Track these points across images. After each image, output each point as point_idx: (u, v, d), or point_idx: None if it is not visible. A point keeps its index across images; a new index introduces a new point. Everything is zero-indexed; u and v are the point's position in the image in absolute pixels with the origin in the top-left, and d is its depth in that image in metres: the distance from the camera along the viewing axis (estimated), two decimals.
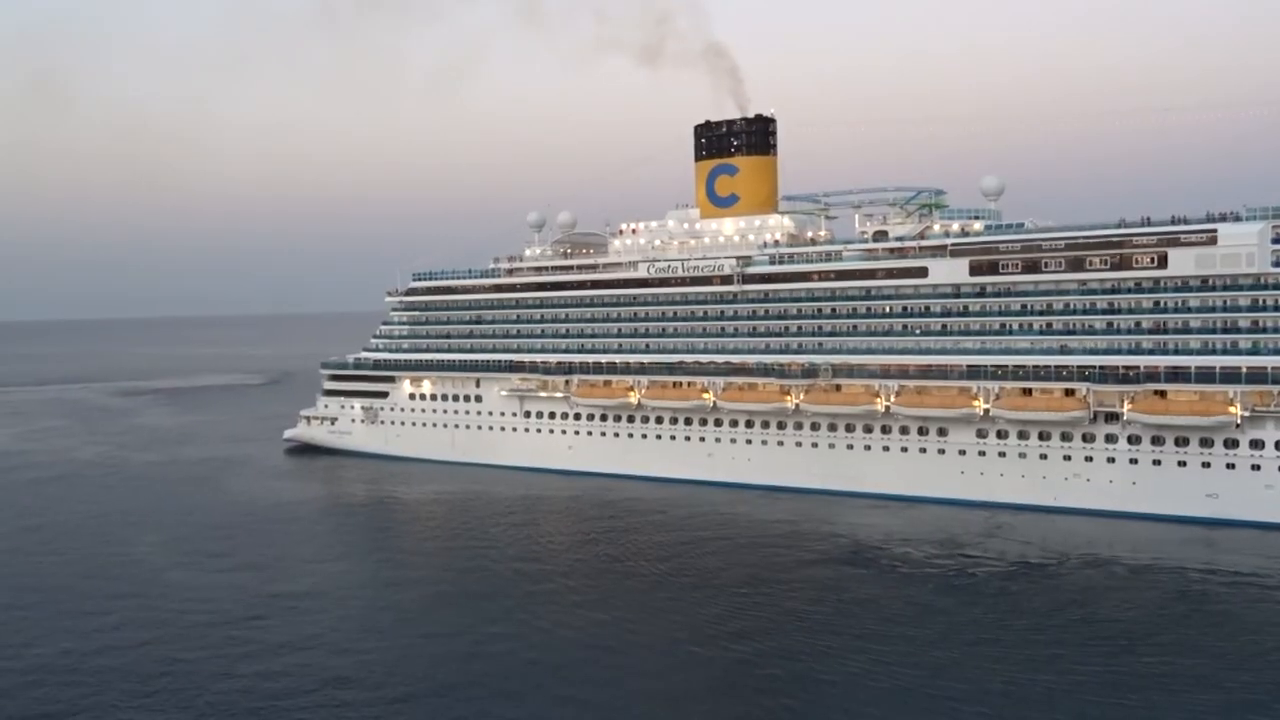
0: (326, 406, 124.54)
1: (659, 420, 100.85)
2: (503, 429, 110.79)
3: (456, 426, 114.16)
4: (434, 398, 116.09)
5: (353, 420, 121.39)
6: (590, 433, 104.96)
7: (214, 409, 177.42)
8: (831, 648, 53.21)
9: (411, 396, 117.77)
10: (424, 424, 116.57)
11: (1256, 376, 74.25)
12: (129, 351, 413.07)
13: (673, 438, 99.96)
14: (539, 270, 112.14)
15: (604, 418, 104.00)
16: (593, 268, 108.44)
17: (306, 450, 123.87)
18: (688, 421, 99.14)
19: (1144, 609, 58.18)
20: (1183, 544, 70.67)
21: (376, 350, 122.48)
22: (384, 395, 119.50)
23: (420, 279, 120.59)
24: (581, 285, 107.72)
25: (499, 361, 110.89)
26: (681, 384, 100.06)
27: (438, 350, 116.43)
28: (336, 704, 47.55)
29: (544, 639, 55.67)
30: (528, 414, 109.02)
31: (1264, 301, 75.15)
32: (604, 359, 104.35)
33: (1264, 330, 75.01)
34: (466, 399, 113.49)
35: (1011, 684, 47.87)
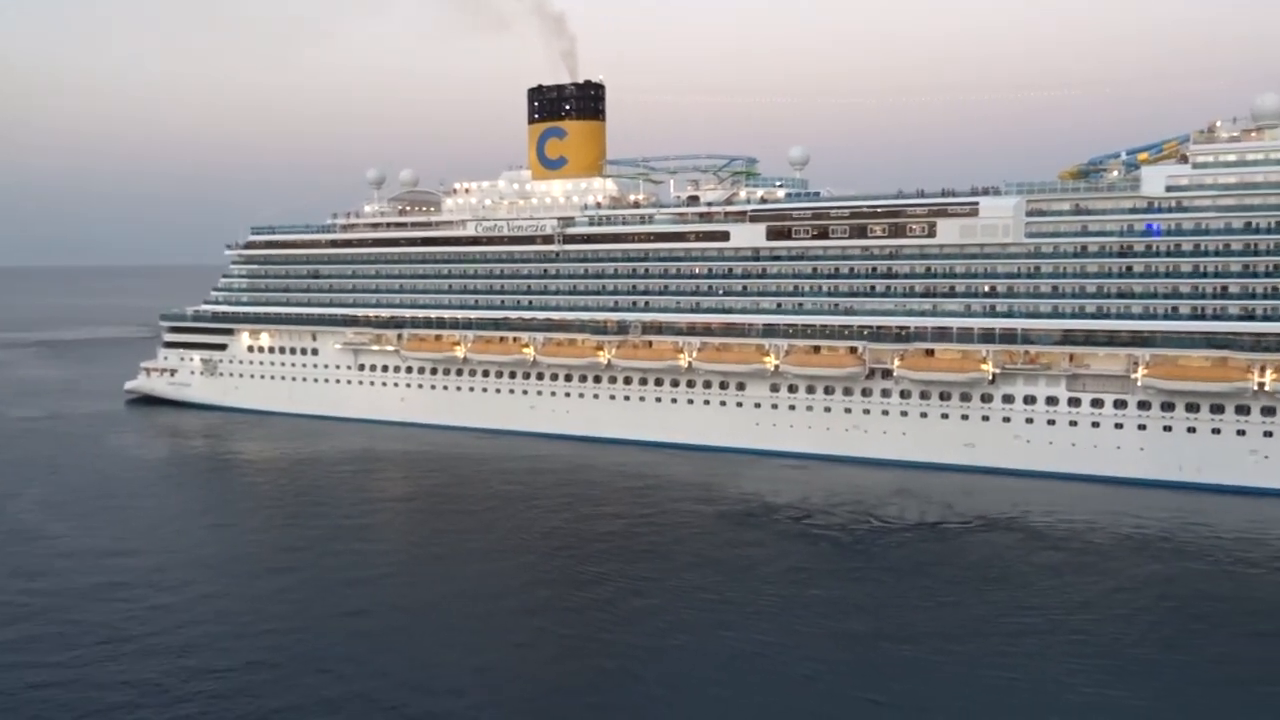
0: (166, 358, 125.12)
1: (485, 374, 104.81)
2: (338, 382, 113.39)
3: (294, 379, 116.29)
4: (272, 350, 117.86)
5: (192, 372, 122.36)
6: (421, 385, 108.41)
7: (91, 362, 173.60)
8: (651, 577, 58.20)
9: (250, 349, 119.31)
10: (262, 376, 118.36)
11: (1008, 337, 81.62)
12: (16, 303, 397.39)
13: (497, 391, 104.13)
14: (375, 227, 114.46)
15: (433, 371, 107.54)
16: (426, 225, 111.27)
17: (147, 402, 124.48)
18: (511, 375, 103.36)
19: (903, 549, 64.80)
20: (945, 489, 76.28)
21: (216, 303, 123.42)
22: (223, 348, 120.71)
23: (259, 233, 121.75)
24: (413, 242, 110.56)
25: (334, 316, 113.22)
26: (506, 339, 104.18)
27: (276, 304, 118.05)
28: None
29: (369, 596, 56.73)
30: (362, 367, 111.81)
31: (1018, 269, 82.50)
32: (433, 314, 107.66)
33: (1016, 295, 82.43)
34: (303, 352, 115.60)
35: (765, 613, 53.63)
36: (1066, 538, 64.83)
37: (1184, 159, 78.14)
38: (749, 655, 47.38)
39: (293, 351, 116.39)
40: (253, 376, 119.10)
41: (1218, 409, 74.92)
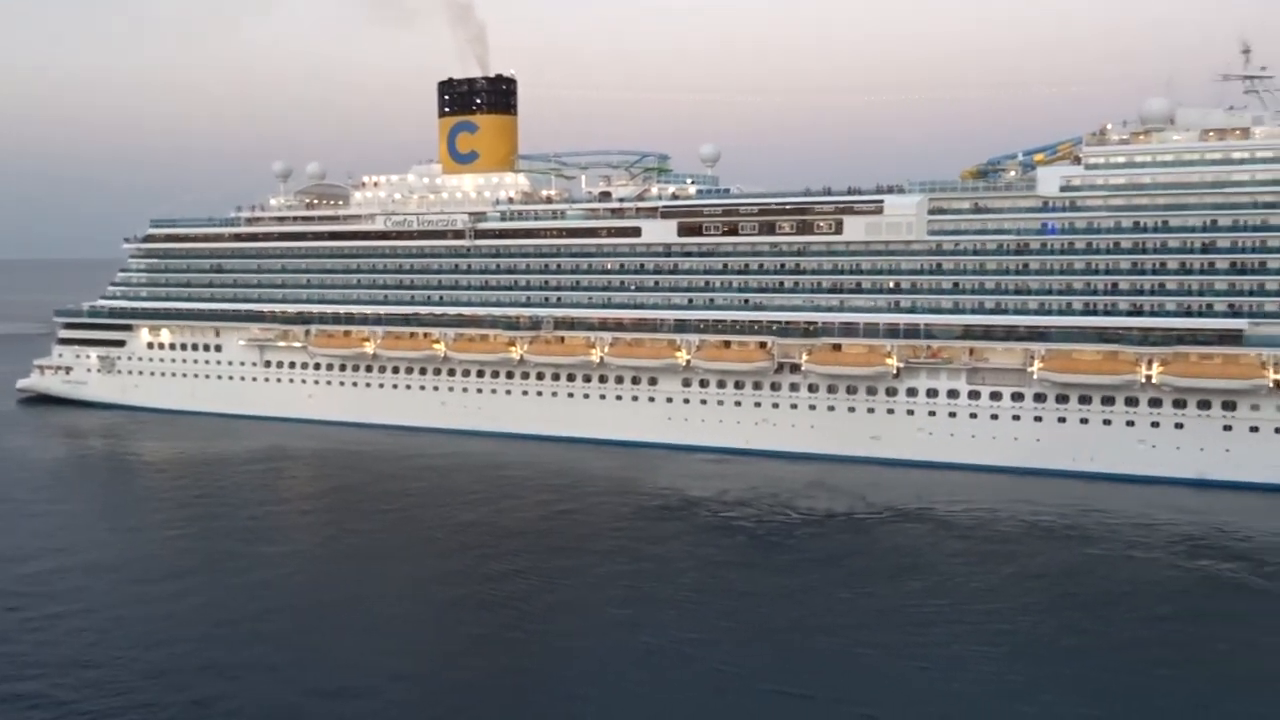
0: (61, 356, 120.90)
1: (395, 370, 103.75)
2: (243, 379, 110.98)
3: (196, 376, 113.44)
4: (173, 347, 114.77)
5: (89, 370, 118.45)
6: (329, 382, 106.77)
7: None
8: (569, 568, 58.78)
9: (150, 346, 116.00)
10: (163, 374, 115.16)
11: (911, 332, 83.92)
12: None
13: (408, 387, 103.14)
14: (281, 220, 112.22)
15: (342, 367, 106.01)
16: (334, 219, 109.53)
17: (41, 401, 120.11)
18: (422, 371, 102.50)
19: (815, 539, 66.15)
20: (858, 482, 77.87)
21: (114, 298, 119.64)
22: (121, 344, 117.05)
23: (159, 226, 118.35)
24: (321, 237, 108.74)
25: (238, 311, 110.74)
26: (416, 335, 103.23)
27: (177, 299, 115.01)
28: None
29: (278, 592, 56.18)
30: (268, 364, 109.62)
31: (921, 265, 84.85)
32: (341, 309, 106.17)
33: (919, 291, 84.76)
34: (206, 349, 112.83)
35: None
36: (973, 527, 67.09)
37: (1077, 160, 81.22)
38: (668, 650, 47.85)
39: (195, 348, 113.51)
40: (153, 374, 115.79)
41: (1108, 401, 78.21)
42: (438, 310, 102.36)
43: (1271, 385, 73.61)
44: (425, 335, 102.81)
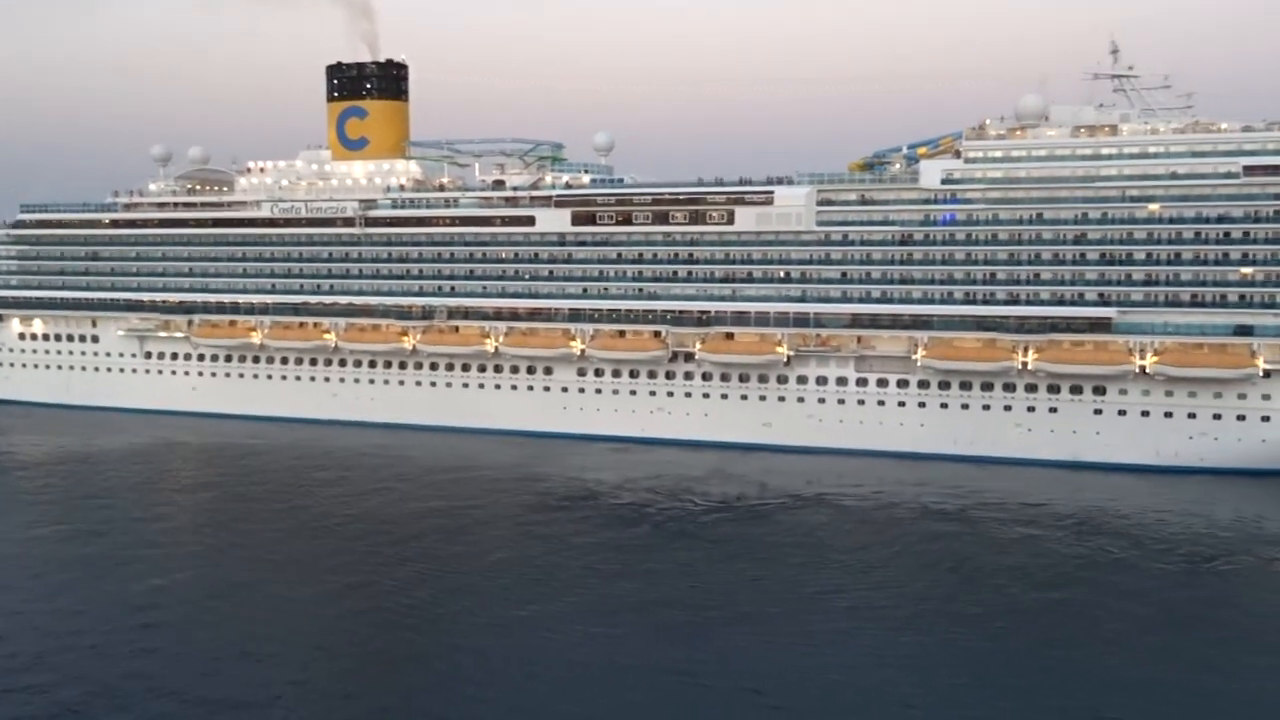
0: None
1: (283, 361, 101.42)
2: (122, 371, 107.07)
3: (72, 368, 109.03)
4: (46, 338, 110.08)
5: None
6: (214, 374, 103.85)
7: None
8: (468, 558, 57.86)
9: (21, 336, 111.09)
10: (35, 365, 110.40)
11: (801, 321, 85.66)
12: None
13: (297, 378, 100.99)
14: (161, 206, 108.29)
15: (228, 358, 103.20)
16: (218, 205, 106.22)
17: None
18: (312, 362, 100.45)
19: (705, 520, 67.09)
20: (760, 469, 79.19)
21: None
22: None
23: (29, 211, 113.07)
24: (204, 224, 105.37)
25: (116, 300, 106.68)
26: (306, 324, 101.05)
27: (50, 287, 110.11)
28: None
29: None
30: (148, 355, 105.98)
31: (810, 255, 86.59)
32: (227, 299, 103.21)
33: (809, 281, 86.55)
34: (82, 339, 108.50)
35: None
36: (865, 511, 69.04)
37: (957, 154, 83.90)
38: (573, 643, 47.68)
39: (70, 339, 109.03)
40: (24, 366, 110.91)
41: (987, 387, 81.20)
42: (328, 300, 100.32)
43: (1138, 370, 77.46)
44: (315, 325, 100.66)
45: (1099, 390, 78.78)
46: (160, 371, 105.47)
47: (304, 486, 76.18)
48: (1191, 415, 76.93)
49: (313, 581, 56.22)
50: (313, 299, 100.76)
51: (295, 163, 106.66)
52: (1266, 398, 75.43)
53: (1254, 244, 76.29)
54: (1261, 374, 75.09)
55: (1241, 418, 75.97)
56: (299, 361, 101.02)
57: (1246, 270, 76.41)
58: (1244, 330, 76.25)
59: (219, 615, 51.50)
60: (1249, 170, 76.00)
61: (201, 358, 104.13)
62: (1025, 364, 79.84)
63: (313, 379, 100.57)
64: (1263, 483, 73.78)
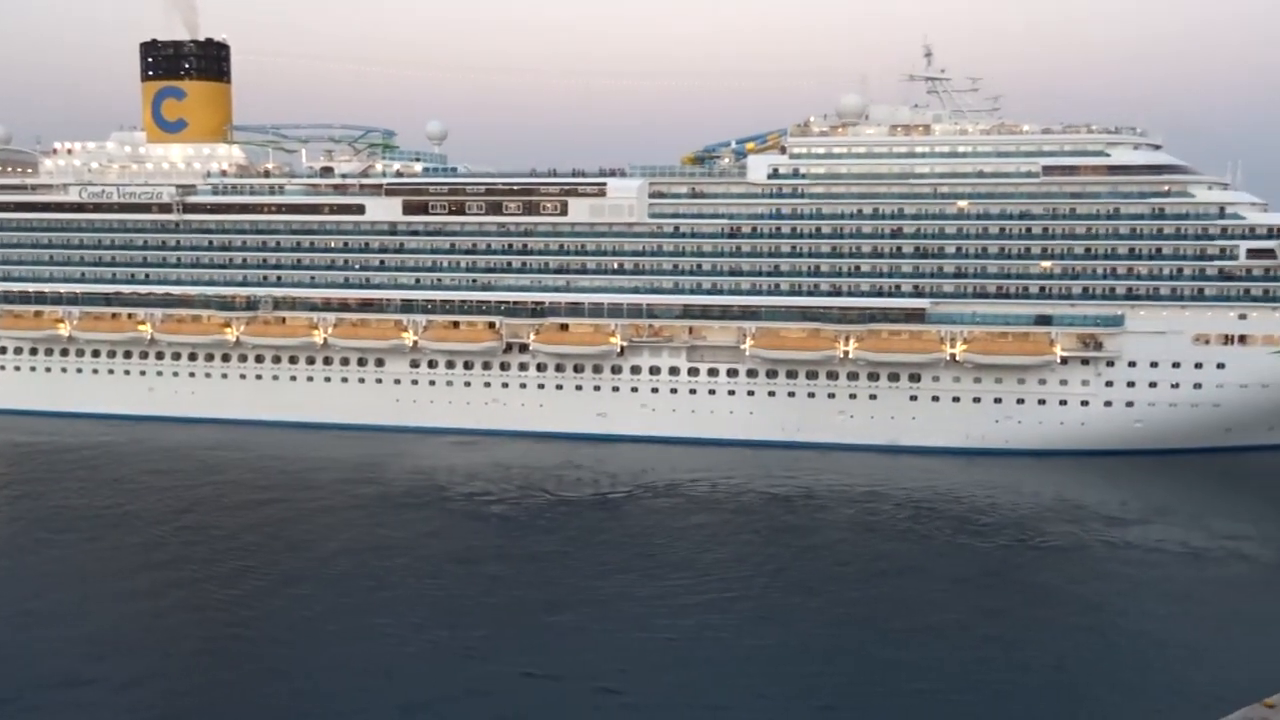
0: None
1: (95, 354, 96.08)
2: None
3: None
4: None
5: None
6: (18, 367, 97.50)
7: None
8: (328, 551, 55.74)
9: None
10: None
11: (634, 311, 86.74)
12: None
13: (110, 372, 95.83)
14: None
15: (33, 351, 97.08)
16: (20, 189, 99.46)
17: None
18: (126, 355, 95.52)
19: (521, 505, 67.05)
20: (588, 460, 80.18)
21: None
22: None
23: None
24: (5, 208, 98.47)
25: None
26: (119, 315, 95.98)
27: None
28: None
29: None
30: None
31: (643, 247, 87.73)
32: (30, 288, 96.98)
33: (642, 272, 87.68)
34: None
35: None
36: (706, 500, 70.42)
37: (783, 150, 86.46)
38: (418, 645, 46.70)
39: None
40: None
41: (812, 375, 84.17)
42: (143, 289, 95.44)
43: (949, 358, 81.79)
44: (129, 316, 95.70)
45: (914, 378, 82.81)
46: None
47: (124, 489, 72.32)
48: (997, 400, 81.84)
49: (133, 598, 53.07)
50: (126, 289, 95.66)
51: (106, 144, 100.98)
52: (1064, 383, 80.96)
53: (1052, 239, 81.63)
54: (1059, 360, 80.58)
55: (1042, 402, 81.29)
56: (111, 354, 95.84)
57: (1046, 264, 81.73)
58: (1044, 320, 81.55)
59: (34, 633, 48.48)
60: (1048, 170, 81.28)
61: (4, 350, 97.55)
62: (847, 353, 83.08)
63: (127, 373, 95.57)
64: (1059, 463, 79.23)
